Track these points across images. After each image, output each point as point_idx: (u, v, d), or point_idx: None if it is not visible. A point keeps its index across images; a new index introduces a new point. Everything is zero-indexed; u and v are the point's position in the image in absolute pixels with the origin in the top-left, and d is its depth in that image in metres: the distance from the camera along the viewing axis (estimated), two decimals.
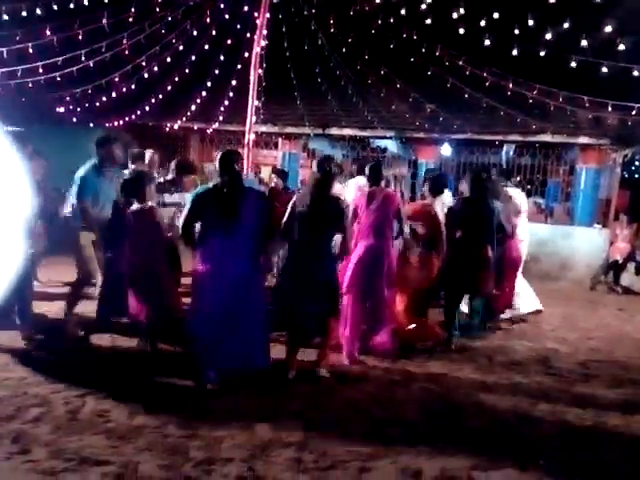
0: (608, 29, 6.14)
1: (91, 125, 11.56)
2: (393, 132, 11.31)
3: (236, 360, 3.65)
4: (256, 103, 7.79)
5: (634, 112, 7.92)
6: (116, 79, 9.76)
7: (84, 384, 3.49)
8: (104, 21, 8.31)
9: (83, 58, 8.73)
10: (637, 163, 13.60)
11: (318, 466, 2.70)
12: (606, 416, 3.63)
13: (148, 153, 5.69)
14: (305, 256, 3.84)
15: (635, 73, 6.69)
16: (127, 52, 9.08)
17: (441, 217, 5.01)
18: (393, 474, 2.69)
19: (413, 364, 4.36)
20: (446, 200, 5.62)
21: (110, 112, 11.22)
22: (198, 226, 3.79)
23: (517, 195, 6.09)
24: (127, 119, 11.51)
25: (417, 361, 4.46)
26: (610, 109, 8.54)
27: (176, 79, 10.32)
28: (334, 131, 11.74)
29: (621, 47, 6.37)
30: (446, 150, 11.76)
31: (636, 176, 14.29)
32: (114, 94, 10.18)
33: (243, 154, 7.75)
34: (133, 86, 10.04)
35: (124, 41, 8.85)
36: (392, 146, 12.85)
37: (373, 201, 4.49)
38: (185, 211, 3.72)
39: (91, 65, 8.91)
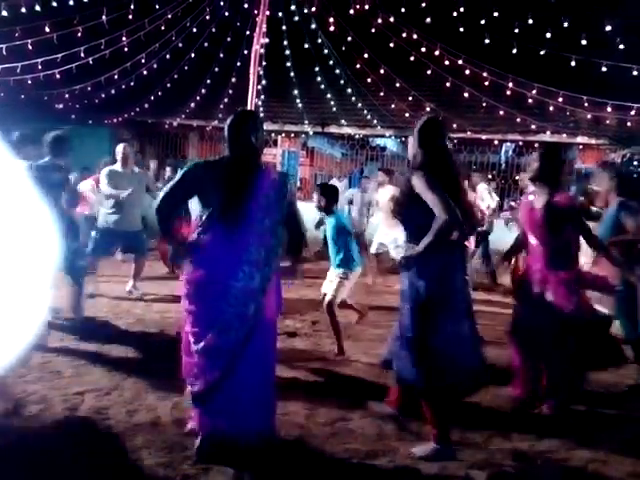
0: (608, 28, 6.15)
1: (90, 122, 11.56)
2: (392, 131, 11.32)
3: (226, 424, 2.55)
4: (255, 101, 7.77)
5: (633, 112, 7.95)
6: (115, 76, 9.75)
7: (83, 382, 3.49)
8: (103, 18, 8.30)
9: (82, 55, 8.72)
10: (635, 163, 13.61)
11: None
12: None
13: (120, 147, 5.70)
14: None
15: (634, 73, 6.70)
16: (126, 49, 9.07)
17: None
18: None
19: None
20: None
21: (109, 109, 11.22)
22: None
23: None
24: (126, 116, 11.52)
25: None
26: (609, 109, 8.56)
27: (175, 76, 10.32)
28: (333, 129, 11.76)
29: (620, 47, 6.38)
30: None
31: (635, 176, 14.31)
32: (113, 91, 10.18)
33: None
34: (132, 83, 10.03)
35: (123, 38, 8.84)
36: (391, 145, 12.87)
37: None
38: (168, 186, 2.66)
39: (90, 62, 8.90)
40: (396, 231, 5.63)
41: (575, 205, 3.49)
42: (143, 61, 9.50)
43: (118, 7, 8.59)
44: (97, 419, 3.00)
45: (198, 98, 10.89)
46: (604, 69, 6.93)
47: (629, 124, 8.98)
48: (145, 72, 9.73)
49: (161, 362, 3.92)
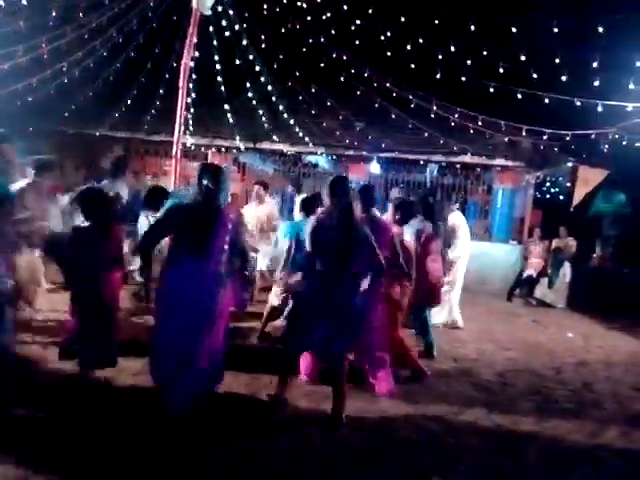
0: (522, 58, 6.59)
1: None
2: (324, 149, 11.47)
3: (194, 386, 3.45)
4: (184, 114, 7.62)
5: (545, 137, 8.53)
6: (34, 84, 9.22)
7: None
8: (21, 24, 7.85)
9: None
10: (548, 184, 14.60)
11: None
12: (522, 422, 3.81)
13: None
14: (330, 289, 3.50)
15: (546, 101, 7.21)
16: (46, 56, 8.62)
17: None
18: None
19: None
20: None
21: (26, 118, 10.57)
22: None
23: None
24: (44, 126, 10.90)
25: None
26: (524, 133, 9.13)
27: (99, 86, 9.92)
28: (265, 145, 11.73)
29: (534, 76, 6.85)
30: (375, 168, 12.08)
31: (547, 196, 15.33)
32: (30, 99, 9.61)
33: (171, 166, 7.55)
34: (52, 91, 9.53)
35: (43, 45, 8.40)
36: (323, 162, 13.03)
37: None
38: (153, 225, 3.50)
39: (6, 67, 8.37)
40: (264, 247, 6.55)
41: None
42: (64, 69, 9.05)
43: (38, 13, 8.17)
44: None
45: (123, 109, 10.51)
46: (519, 96, 7.40)
47: (542, 148, 9.62)
48: (66, 80, 9.27)
49: None
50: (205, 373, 3.50)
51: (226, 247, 3.48)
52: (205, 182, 3.46)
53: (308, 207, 4.83)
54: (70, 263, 3.87)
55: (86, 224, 3.83)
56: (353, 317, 3.58)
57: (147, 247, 3.64)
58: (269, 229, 6.70)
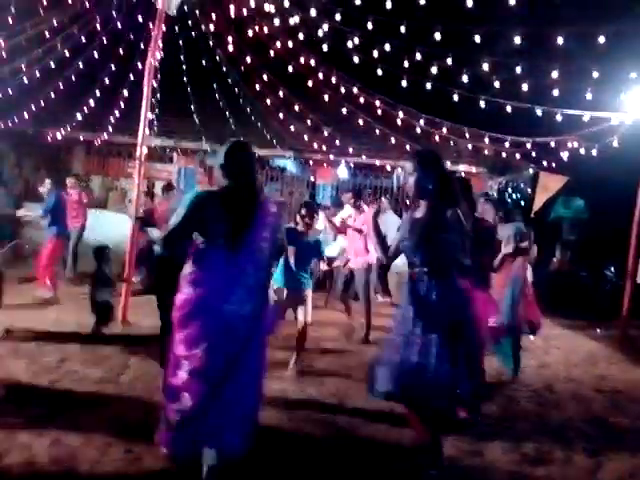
0: (485, 67, 6.76)
1: None
2: (292, 152, 11.48)
3: (214, 439, 2.58)
4: (149, 115, 7.48)
5: (507, 144, 8.75)
6: None
7: None
8: None
9: None
10: (509, 190, 15.01)
11: None
12: (485, 423, 3.88)
13: None
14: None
15: (508, 109, 7.41)
16: (4, 53, 8.33)
17: None
18: None
19: None
20: None
21: None
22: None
23: None
24: (1, 126, 10.54)
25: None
26: (487, 140, 9.36)
27: (60, 86, 9.63)
28: None
29: (496, 84, 7.03)
30: (342, 172, 12.17)
31: (509, 201, 15.75)
32: None
33: (134, 167, 7.41)
34: (10, 90, 9.21)
35: (1, 41, 8.11)
36: (291, 166, 13.04)
37: None
38: (177, 218, 2.68)
39: None
40: None
41: None
42: (23, 67, 8.76)
43: None
44: None
45: (85, 110, 10.25)
46: (482, 104, 7.59)
47: (504, 155, 9.88)
48: (25, 79, 8.98)
49: (34, 399, 3.56)
50: (232, 424, 2.59)
51: (267, 247, 2.74)
52: (237, 164, 2.79)
53: None
54: None
55: None
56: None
57: (169, 250, 2.84)
58: None
